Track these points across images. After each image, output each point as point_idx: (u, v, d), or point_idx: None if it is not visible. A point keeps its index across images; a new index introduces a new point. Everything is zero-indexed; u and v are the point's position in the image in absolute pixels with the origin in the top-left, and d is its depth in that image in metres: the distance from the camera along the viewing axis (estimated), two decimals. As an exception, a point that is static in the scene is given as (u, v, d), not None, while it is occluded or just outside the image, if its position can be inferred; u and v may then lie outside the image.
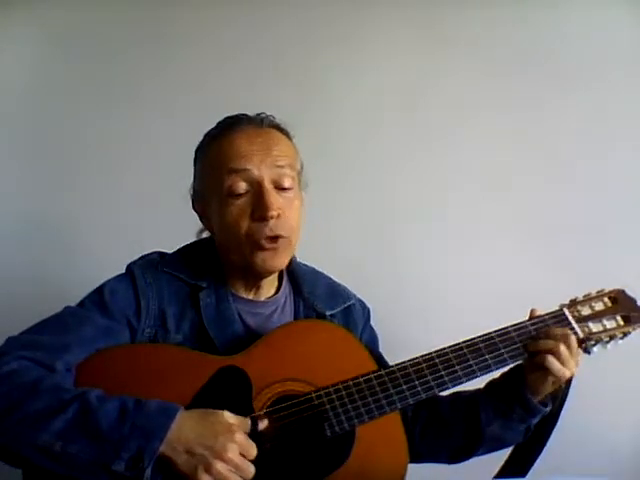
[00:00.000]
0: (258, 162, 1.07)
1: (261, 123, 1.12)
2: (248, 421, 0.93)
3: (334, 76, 1.75)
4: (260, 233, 1.06)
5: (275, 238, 1.07)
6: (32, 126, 1.75)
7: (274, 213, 1.05)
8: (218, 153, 1.10)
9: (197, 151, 1.17)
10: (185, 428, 0.88)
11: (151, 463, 0.85)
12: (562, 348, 1.05)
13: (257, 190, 1.07)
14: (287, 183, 1.09)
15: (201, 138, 1.16)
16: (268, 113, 1.15)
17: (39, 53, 1.77)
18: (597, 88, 1.72)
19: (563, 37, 1.73)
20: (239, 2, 1.75)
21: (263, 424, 0.96)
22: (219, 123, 1.15)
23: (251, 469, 0.90)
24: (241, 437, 0.90)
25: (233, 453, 0.88)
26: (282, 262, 1.11)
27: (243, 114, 1.14)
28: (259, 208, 1.06)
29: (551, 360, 1.05)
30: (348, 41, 1.75)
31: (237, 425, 0.91)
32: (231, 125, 1.12)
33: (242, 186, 1.07)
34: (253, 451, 0.91)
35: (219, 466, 0.87)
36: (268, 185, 1.07)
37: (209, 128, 1.15)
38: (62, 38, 1.76)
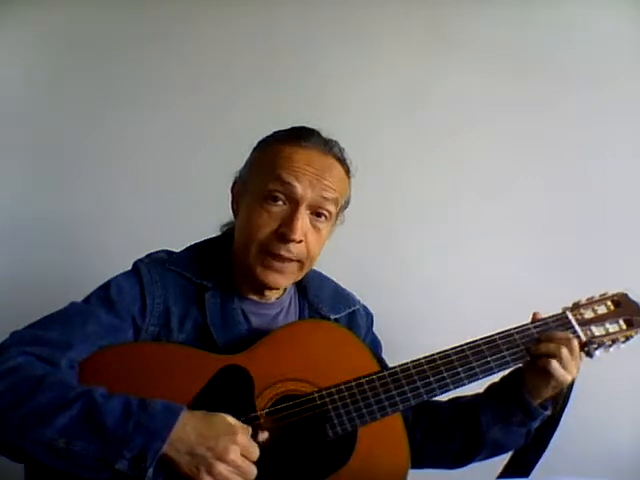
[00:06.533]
0: (306, 183, 1.06)
1: (328, 150, 1.12)
2: (249, 428, 0.93)
3: (335, 77, 1.74)
4: (275, 249, 1.06)
5: (287, 259, 1.07)
6: (32, 125, 1.74)
7: (297, 238, 1.05)
8: (276, 155, 1.09)
9: (260, 142, 1.16)
10: (188, 429, 0.88)
11: (153, 463, 0.85)
12: (564, 351, 1.05)
13: (291, 209, 1.07)
14: (323, 214, 1.10)
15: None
16: (337, 141, 1.15)
17: (39, 53, 1.76)
18: (598, 89, 1.71)
19: (565, 38, 1.72)
20: (239, 2, 1.73)
21: (263, 436, 0.96)
22: (293, 128, 1.15)
23: (253, 470, 0.90)
24: (243, 438, 0.90)
25: (235, 454, 0.88)
26: (284, 282, 1.12)
27: (318, 131, 1.14)
28: (285, 227, 1.06)
29: (553, 363, 1.05)
30: (349, 42, 1.74)
31: (239, 426, 0.92)
32: (301, 136, 1.11)
33: (280, 197, 1.07)
34: (255, 452, 0.91)
35: (221, 467, 0.87)
36: (304, 209, 1.07)
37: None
38: (62, 38, 1.75)
